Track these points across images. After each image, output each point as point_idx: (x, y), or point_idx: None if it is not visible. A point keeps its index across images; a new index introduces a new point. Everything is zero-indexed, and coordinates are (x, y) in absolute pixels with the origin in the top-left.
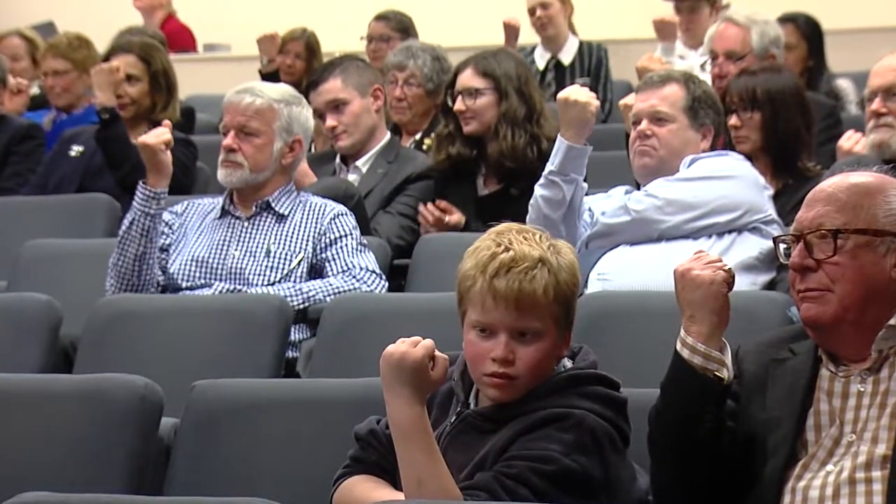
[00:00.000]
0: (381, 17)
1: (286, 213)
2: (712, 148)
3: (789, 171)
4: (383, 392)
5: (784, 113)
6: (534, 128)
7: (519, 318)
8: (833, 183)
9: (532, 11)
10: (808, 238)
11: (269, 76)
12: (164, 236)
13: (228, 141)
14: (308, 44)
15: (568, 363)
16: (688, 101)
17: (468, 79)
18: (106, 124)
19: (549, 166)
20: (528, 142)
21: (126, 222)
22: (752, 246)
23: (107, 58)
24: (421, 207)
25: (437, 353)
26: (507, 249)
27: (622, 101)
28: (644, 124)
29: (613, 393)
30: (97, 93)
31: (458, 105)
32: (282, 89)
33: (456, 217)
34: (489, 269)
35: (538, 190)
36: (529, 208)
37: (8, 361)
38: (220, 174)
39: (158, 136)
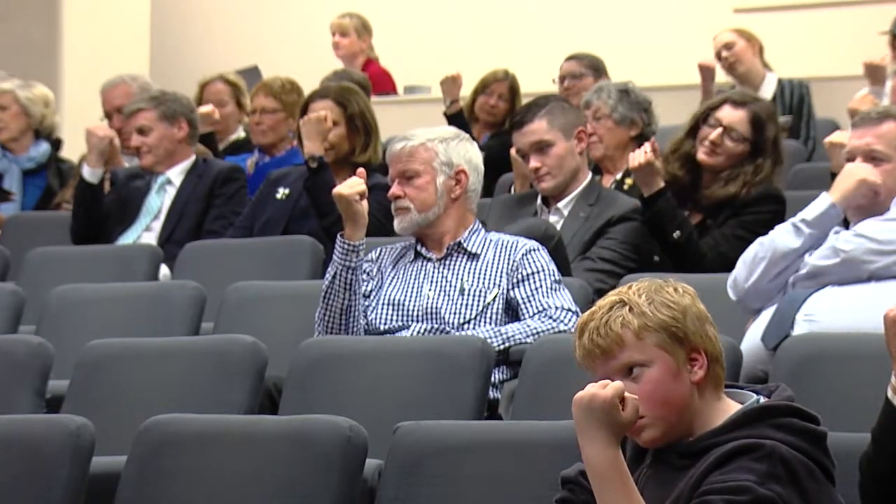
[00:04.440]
0: (572, 57)
1: (478, 251)
2: None
3: None
4: (577, 437)
5: None
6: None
7: (615, 360)
8: None
9: (718, 55)
10: None
11: (454, 117)
12: (365, 283)
13: (393, 190)
14: (511, 86)
15: (762, 399)
16: None
17: (736, 121)
18: (314, 173)
19: (803, 214)
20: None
21: (328, 276)
22: None
23: (306, 105)
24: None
25: (627, 394)
26: (591, 311)
27: (828, 140)
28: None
29: (810, 425)
30: (305, 142)
31: (715, 137)
32: (438, 129)
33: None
34: (577, 334)
35: (782, 237)
36: (757, 244)
37: (214, 403)
38: (395, 223)
39: (352, 186)
